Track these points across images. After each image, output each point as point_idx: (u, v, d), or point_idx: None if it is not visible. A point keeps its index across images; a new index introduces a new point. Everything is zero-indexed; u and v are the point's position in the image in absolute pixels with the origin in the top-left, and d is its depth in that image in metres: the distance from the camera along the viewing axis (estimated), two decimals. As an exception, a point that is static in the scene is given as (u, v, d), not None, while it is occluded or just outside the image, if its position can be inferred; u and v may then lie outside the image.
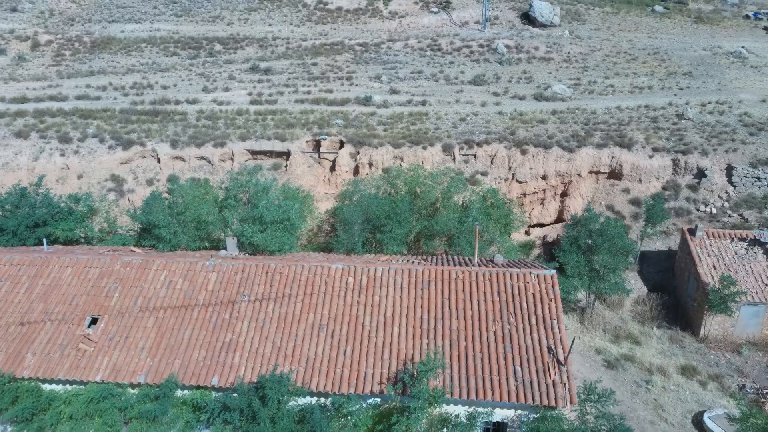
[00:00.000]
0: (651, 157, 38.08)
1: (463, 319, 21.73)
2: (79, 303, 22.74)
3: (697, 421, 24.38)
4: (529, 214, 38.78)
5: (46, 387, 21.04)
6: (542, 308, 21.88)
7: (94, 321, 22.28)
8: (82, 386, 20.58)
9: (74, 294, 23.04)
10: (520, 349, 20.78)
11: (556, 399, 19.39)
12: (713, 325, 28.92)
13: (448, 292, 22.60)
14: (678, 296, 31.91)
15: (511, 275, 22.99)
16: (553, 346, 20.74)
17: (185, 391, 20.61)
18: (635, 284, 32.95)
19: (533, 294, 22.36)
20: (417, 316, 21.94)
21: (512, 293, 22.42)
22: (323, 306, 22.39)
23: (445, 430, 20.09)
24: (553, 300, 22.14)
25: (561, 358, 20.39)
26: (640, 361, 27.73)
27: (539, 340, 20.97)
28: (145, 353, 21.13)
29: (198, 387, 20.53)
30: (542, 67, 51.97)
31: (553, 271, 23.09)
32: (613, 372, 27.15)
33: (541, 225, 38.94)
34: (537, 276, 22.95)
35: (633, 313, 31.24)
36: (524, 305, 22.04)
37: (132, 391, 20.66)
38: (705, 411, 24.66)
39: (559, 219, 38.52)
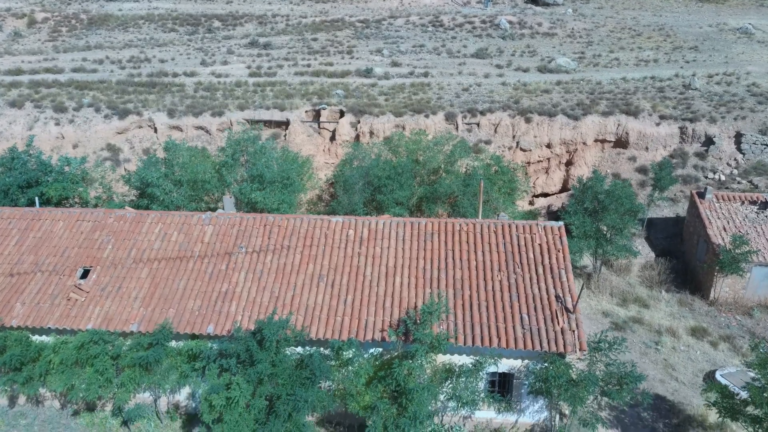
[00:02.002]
0: (658, 124, 37.30)
1: (467, 270, 20.99)
2: (71, 255, 22.01)
3: (709, 380, 23.60)
4: (534, 183, 38.02)
5: (36, 339, 20.32)
6: (549, 258, 21.14)
7: (85, 273, 21.54)
8: (72, 336, 19.84)
9: (66, 246, 22.31)
10: (526, 297, 20.03)
11: (564, 346, 18.64)
12: (724, 287, 28.15)
13: (452, 244, 21.86)
14: (687, 261, 31.15)
15: (516, 227, 22.26)
16: (561, 295, 20.00)
17: (180, 342, 19.86)
18: (642, 250, 32.18)
19: (540, 245, 21.62)
20: (420, 266, 21.19)
21: (518, 244, 21.68)
22: (323, 257, 21.64)
23: (449, 382, 19.33)
24: (560, 250, 21.39)
25: (569, 306, 19.66)
26: (648, 324, 26.97)
27: (546, 289, 20.22)
28: (139, 303, 20.39)
29: (193, 336, 19.80)
30: (546, 42, 51.17)
31: (561, 223, 22.35)
32: (621, 333, 26.32)
33: (546, 195, 38.20)
34: (544, 227, 22.21)
35: (641, 278, 30.47)
36: (531, 255, 21.30)
37: (125, 342, 19.89)
38: (717, 370, 23.91)
39: (564, 189, 37.77)
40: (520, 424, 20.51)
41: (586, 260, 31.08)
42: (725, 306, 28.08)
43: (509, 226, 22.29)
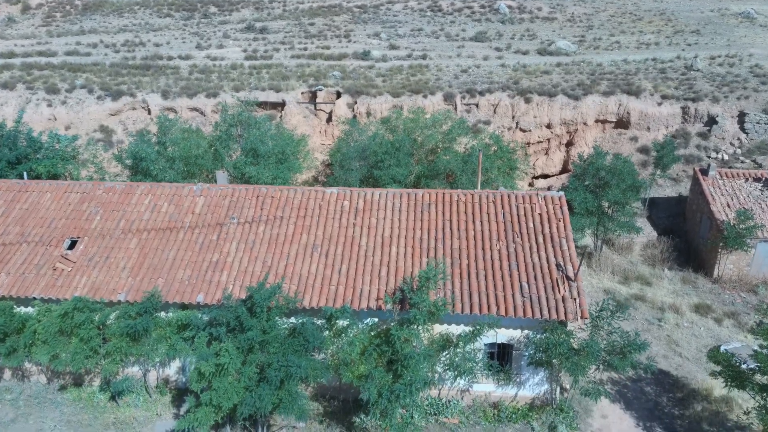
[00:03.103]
0: (660, 104, 36.70)
1: (465, 239, 20.39)
2: (58, 226, 21.41)
3: (714, 350, 22.97)
4: (534, 164, 37.42)
5: (22, 310, 19.71)
6: (550, 227, 20.54)
7: (73, 244, 20.94)
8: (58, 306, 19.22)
9: (53, 218, 21.71)
10: (526, 266, 19.43)
11: (566, 313, 18.04)
12: (728, 264, 27.56)
13: (450, 214, 21.26)
14: (689, 240, 30.56)
15: (516, 197, 21.69)
16: (562, 263, 19.40)
17: (170, 314, 19.22)
18: (644, 230, 31.54)
19: (540, 214, 21.03)
20: (416, 236, 20.59)
21: (518, 214, 21.09)
22: (317, 228, 21.04)
23: (446, 352, 18.75)
24: (561, 220, 20.81)
25: (570, 274, 19.06)
26: (651, 301, 26.36)
27: (547, 258, 19.62)
28: (127, 272, 19.79)
29: (183, 307, 19.20)
30: (545, 26, 50.59)
31: (561, 193, 21.77)
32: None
33: (546, 176, 37.61)
34: (544, 197, 21.63)
35: (642, 256, 29.87)
36: (531, 225, 20.70)
37: (112, 311, 19.25)
38: (721, 345, 23.31)
39: (565, 170, 37.17)
40: (519, 398, 19.92)
41: (587, 239, 30.47)
42: (729, 283, 27.48)
43: (508, 196, 21.71)
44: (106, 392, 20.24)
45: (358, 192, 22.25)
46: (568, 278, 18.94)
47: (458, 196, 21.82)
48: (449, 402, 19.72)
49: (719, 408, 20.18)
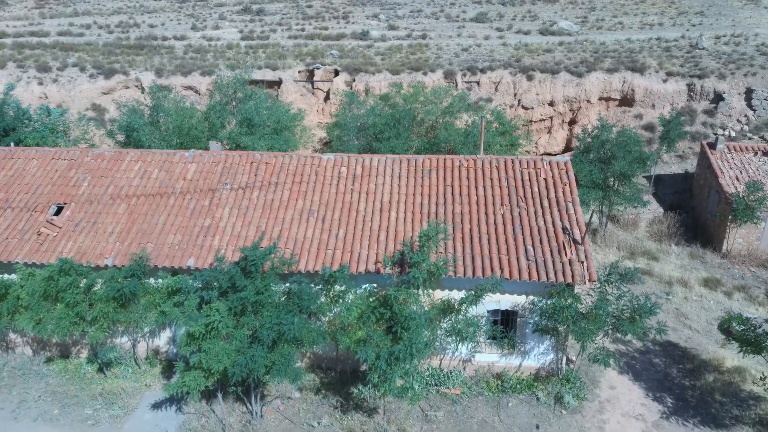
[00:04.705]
0: (665, 81, 35.90)
1: (467, 204, 19.57)
2: (44, 192, 20.59)
3: (724, 327, 22.23)
4: (536, 143, 36.61)
5: (6, 278, 18.88)
6: (555, 192, 19.73)
7: (59, 210, 20.13)
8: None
9: (39, 184, 20.89)
10: (531, 230, 18.62)
11: (573, 276, 17.23)
12: (737, 239, 26.79)
13: (451, 180, 20.45)
14: (697, 215, 29.79)
15: (520, 162, 20.87)
16: (568, 227, 18.60)
17: (159, 280, 18.41)
18: (650, 206, 30.78)
19: (545, 179, 20.22)
20: (416, 202, 19.78)
21: (522, 179, 20.27)
22: (313, 193, 20.23)
23: (448, 318, 17.95)
24: (567, 184, 20.00)
25: (578, 238, 18.26)
26: (658, 275, 25.60)
27: (553, 222, 18.81)
28: (114, 237, 18.98)
29: (174, 272, 18.37)
30: (547, 8, 49.79)
31: (567, 158, 20.97)
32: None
33: (549, 155, 36.78)
34: (549, 162, 20.81)
35: (649, 232, 29.12)
36: (536, 189, 19.89)
37: (99, 280, 18.43)
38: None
39: (567, 148, 36.38)
40: (524, 368, 19.11)
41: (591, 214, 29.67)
42: (739, 258, 26.72)
43: (512, 162, 20.90)
44: (93, 364, 19.42)
45: (356, 158, 21.44)
46: (575, 241, 18.14)
47: (460, 161, 21.02)
48: (451, 372, 18.93)
49: (732, 378, 19.39)
